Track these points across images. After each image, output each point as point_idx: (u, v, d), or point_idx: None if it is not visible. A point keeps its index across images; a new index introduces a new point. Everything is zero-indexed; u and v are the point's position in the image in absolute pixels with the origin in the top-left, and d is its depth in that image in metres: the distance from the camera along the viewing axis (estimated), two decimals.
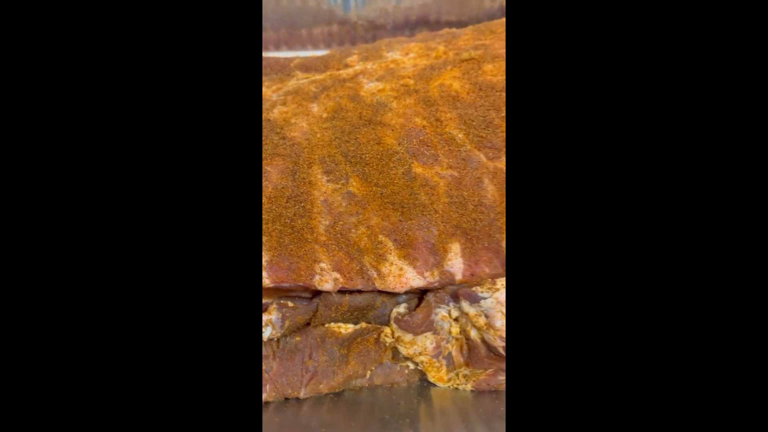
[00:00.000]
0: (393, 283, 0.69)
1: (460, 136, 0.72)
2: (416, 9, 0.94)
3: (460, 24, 0.98)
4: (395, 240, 0.69)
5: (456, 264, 0.70)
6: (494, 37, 0.86)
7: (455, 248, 0.69)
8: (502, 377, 0.70)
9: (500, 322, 0.69)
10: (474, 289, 0.70)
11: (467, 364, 0.73)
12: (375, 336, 0.71)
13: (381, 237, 0.69)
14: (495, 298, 0.69)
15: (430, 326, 0.71)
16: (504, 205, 0.69)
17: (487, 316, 0.70)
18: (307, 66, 0.89)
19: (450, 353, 0.74)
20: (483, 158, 0.70)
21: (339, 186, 0.70)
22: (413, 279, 0.70)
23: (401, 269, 0.69)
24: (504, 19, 0.91)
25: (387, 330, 0.71)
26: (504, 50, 0.80)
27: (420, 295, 0.75)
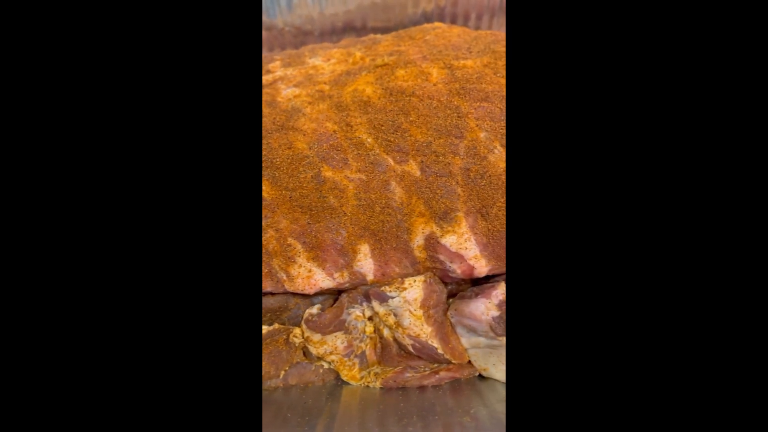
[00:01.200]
0: (302, 285, 0.71)
1: (369, 140, 0.74)
2: (341, 16, 0.96)
3: (386, 30, 1.00)
4: (304, 242, 0.71)
5: (366, 265, 0.71)
6: (411, 43, 0.88)
7: (364, 249, 0.71)
8: (410, 374, 0.72)
9: (408, 321, 0.71)
10: (383, 288, 0.72)
11: (379, 362, 0.75)
12: (285, 336, 0.72)
13: (290, 240, 0.70)
14: (402, 297, 0.71)
15: (340, 326, 0.73)
16: (411, 206, 0.71)
17: (395, 315, 0.72)
18: None
19: (363, 352, 0.75)
20: (391, 162, 0.72)
21: None
22: (322, 280, 0.71)
23: (310, 271, 0.71)
24: (425, 25, 0.93)
25: (296, 330, 0.73)
26: (417, 56, 0.82)
27: (336, 295, 0.77)
